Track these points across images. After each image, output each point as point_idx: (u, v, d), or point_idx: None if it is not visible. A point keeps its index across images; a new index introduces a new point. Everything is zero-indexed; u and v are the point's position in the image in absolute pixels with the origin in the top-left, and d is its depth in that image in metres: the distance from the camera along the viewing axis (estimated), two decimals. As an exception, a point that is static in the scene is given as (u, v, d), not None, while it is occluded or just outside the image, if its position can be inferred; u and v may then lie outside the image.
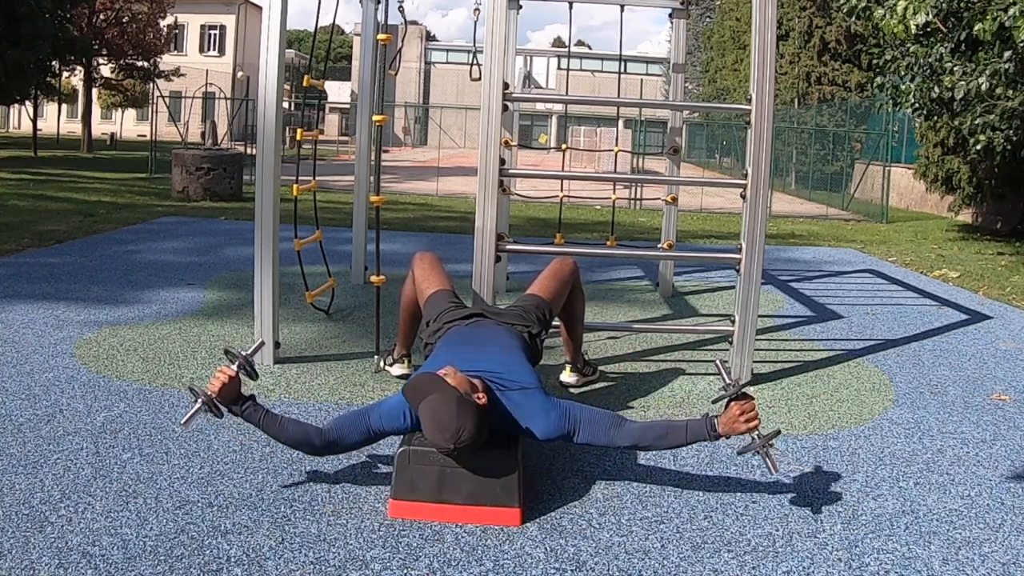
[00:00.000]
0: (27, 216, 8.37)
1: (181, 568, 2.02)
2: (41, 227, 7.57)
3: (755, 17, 3.51)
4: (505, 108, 3.63)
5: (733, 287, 4.68)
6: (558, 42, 63.09)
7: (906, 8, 6.30)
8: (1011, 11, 5.81)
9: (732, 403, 2.40)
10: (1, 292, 4.86)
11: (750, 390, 3.62)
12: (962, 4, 6.75)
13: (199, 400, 2.37)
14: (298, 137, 4.31)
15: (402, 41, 5.50)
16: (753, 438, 2.40)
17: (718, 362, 2.59)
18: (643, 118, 19.07)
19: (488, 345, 2.69)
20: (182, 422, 2.41)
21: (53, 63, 20.54)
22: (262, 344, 2.66)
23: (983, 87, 6.88)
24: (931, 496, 2.65)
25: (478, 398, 2.30)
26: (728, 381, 2.46)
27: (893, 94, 8.51)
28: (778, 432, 2.47)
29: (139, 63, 27.16)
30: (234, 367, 2.45)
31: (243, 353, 2.52)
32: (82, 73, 25.77)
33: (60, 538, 2.12)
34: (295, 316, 4.58)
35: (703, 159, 31.57)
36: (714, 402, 2.50)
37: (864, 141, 17.20)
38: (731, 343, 3.73)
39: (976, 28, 6.14)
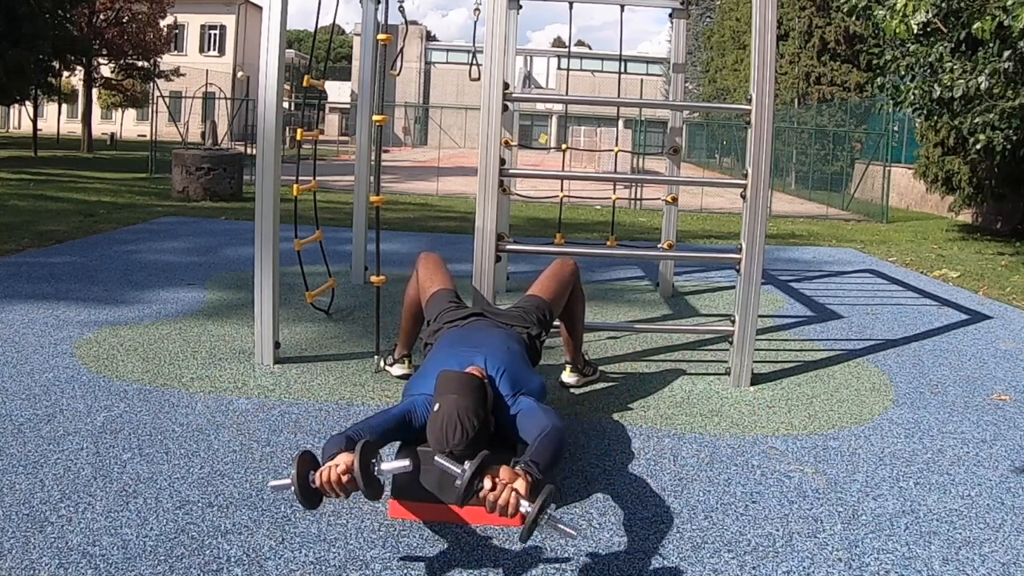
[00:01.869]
0: (27, 216, 8.37)
1: (181, 568, 2.02)
2: (41, 227, 7.57)
3: (755, 17, 3.51)
4: (505, 108, 3.63)
5: (733, 287, 4.69)
6: (558, 42, 63.10)
7: (905, 6, 6.29)
8: (1009, 3, 5.81)
9: (480, 493, 1.99)
10: (1, 292, 4.86)
11: (750, 390, 3.64)
12: (962, 3, 6.75)
13: (293, 487, 1.99)
14: (298, 137, 4.31)
15: (402, 41, 5.49)
16: (525, 514, 1.94)
17: (438, 458, 2.09)
18: (643, 118, 19.07)
19: (486, 346, 2.69)
20: (270, 487, 2.10)
21: (53, 63, 20.53)
22: (407, 468, 2.11)
23: (982, 86, 6.88)
24: (931, 496, 2.65)
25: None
26: (456, 471, 2.01)
27: (893, 94, 8.51)
28: (550, 491, 1.96)
29: (139, 63, 27.17)
30: (359, 478, 1.99)
31: (376, 467, 2.05)
32: (82, 73, 25.77)
33: (60, 538, 2.12)
34: (295, 316, 4.58)
35: (703, 159, 31.57)
36: (457, 502, 2.05)
37: (864, 141, 17.20)
38: (731, 343, 3.73)
39: (975, 27, 6.14)
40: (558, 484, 2.07)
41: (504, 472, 2.02)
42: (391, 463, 2.09)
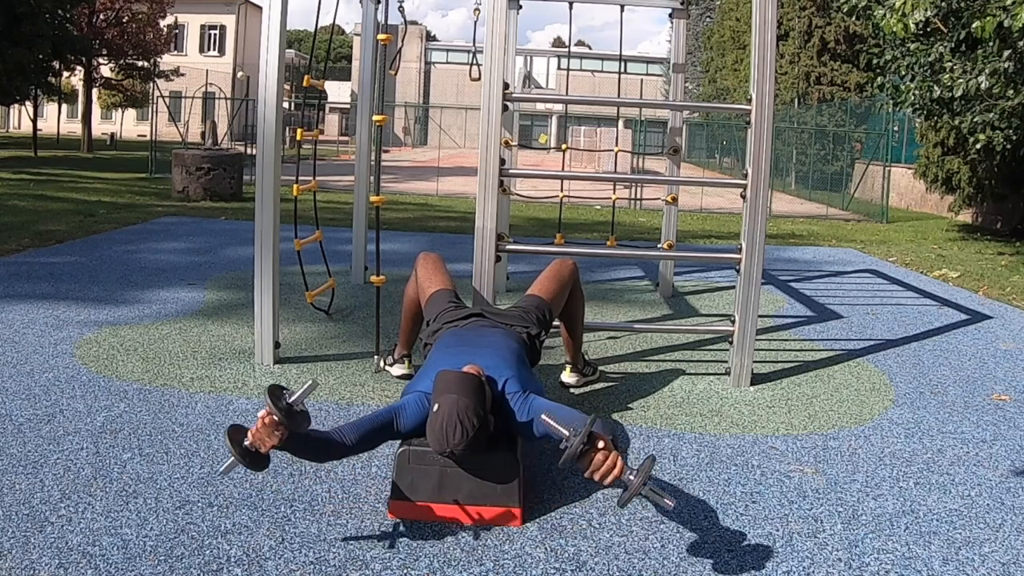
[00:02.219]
0: (27, 216, 8.37)
1: (181, 568, 2.02)
2: (41, 227, 7.57)
3: (755, 17, 3.51)
4: (505, 108, 3.63)
5: (733, 287, 4.69)
6: (558, 42, 63.10)
7: (904, 4, 6.29)
8: (1008, 2, 5.80)
9: (586, 456, 2.06)
10: (1, 292, 4.86)
11: (750, 390, 3.64)
12: (962, 3, 6.75)
13: (232, 458, 2.09)
14: (298, 137, 4.31)
15: (402, 41, 5.50)
16: (627, 483, 2.03)
17: (544, 416, 2.22)
18: (643, 118, 19.07)
19: (486, 346, 2.69)
20: (219, 472, 2.25)
21: (53, 63, 20.52)
22: (314, 386, 2.23)
23: (982, 86, 6.88)
24: (931, 496, 2.65)
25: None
26: (566, 434, 2.10)
27: (893, 94, 8.51)
28: (653, 459, 2.08)
29: (139, 63, 27.15)
30: (277, 416, 2.10)
31: (290, 398, 2.14)
32: (82, 73, 25.77)
33: (60, 538, 2.12)
34: (295, 316, 4.59)
35: (703, 159, 31.57)
36: (560, 465, 2.09)
37: (864, 141, 17.20)
38: (731, 343, 3.73)
39: (975, 27, 6.14)
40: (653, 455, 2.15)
41: (607, 440, 2.08)
42: (299, 390, 2.17)
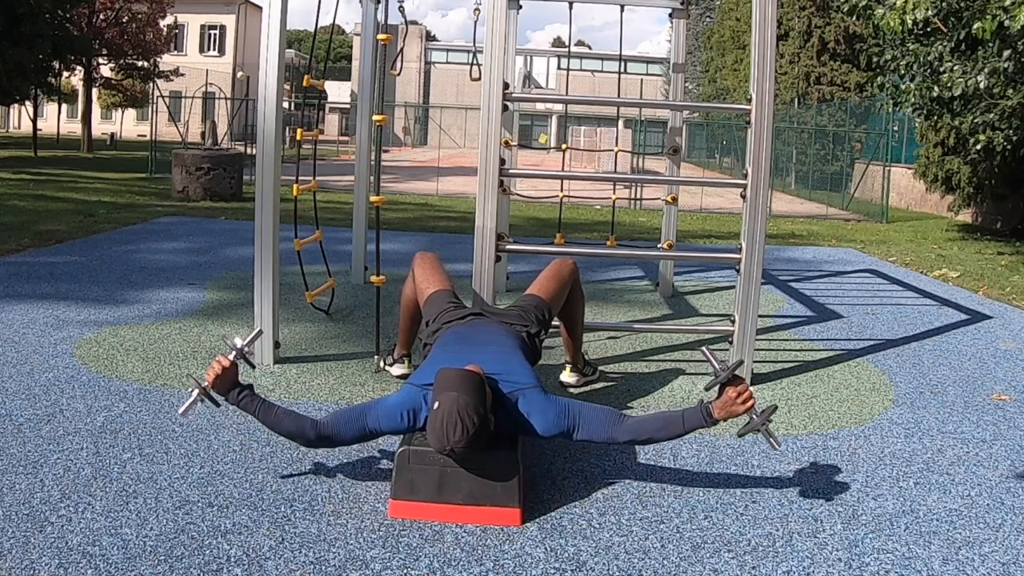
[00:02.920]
0: (27, 216, 8.37)
1: (181, 568, 2.02)
2: (41, 227, 7.57)
3: (755, 16, 3.51)
4: (505, 108, 3.63)
5: (733, 287, 4.69)
6: (558, 42, 63.09)
7: (905, 2, 6.29)
8: (1008, 3, 5.81)
9: (726, 387, 2.43)
10: (1, 292, 4.86)
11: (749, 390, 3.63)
12: (962, 3, 6.75)
13: (195, 390, 2.42)
14: (298, 137, 4.31)
15: (402, 41, 5.49)
16: (751, 417, 2.42)
17: (704, 349, 2.61)
18: (643, 118, 19.06)
19: (486, 345, 2.69)
20: (180, 412, 2.46)
21: (53, 63, 20.53)
22: (260, 333, 2.65)
23: (982, 85, 6.88)
24: (931, 496, 2.65)
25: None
26: (717, 367, 2.48)
27: (893, 93, 8.51)
28: (775, 408, 2.48)
29: (139, 63, 27.15)
30: (231, 356, 2.47)
31: (240, 343, 2.52)
32: (82, 73, 25.77)
33: (60, 538, 2.12)
34: (295, 316, 4.59)
35: (703, 159, 31.57)
36: (707, 389, 2.50)
37: (864, 141, 17.20)
38: (731, 343, 3.73)
39: (975, 27, 6.14)
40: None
41: (743, 380, 2.45)
42: (246, 338, 2.54)
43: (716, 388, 2.46)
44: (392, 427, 2.44)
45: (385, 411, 2.45)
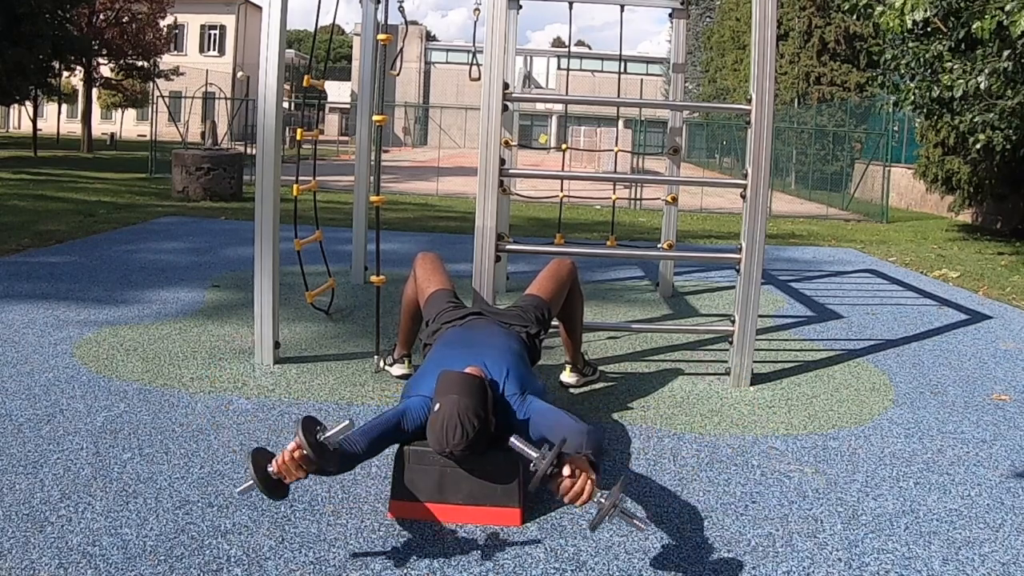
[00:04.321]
0: (27, 216, 8.37)
1: (181, 568, 2.02)
2: (41, 227, 7.57)
3: (755, 16, 3.51)
4: (505, 108, 3.64)
5: (733, 287, 4.69)
6: (558, 42, 63.08)
7: (904, 3, 6.30)
8: (1008, 6, 5.81)
9: (557, 477, 1.99)
10: (1, 292, 4.86)
11: (750, 390, 3.64)
12: (961, 3, 6.75)
13: (251, 482, 2.03)
14: (298, 137, 4.31)
15: (402, 41, 5.50)
16: (599, 504, 1.96)
17: (513, 439, 2.10)
18: (643, 118, 19.06)
19: (485, 346, 2.69)
20: (237, 491, 2.18)
21: (53, 63, 20.53)
22: (350, 426, 2.12)
23: (982, 86, 6.88)
24: (931, 496, 2.65)
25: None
26: (534, 456, 2.03)
27: (893, 92, 8.51)
28: (624, 479, 2.07)
29: (139, 63, 27.15)
30: (307, 452, 2.02)
31: (326, 435, 2.06)
32: (82, 73, 25.77)
33: (60, 538, 2.12)
34: (295, 316, 4.58)
35: (703, 159, 31.57)
36: (530, 489, 2.04)
37: (864, 141, 17.20)
38: (731, 343, 3.73)
39: (975, 27, 6.14)
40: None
41: (579, 461, 2.01)
42: (335, 428, 2.09)
43: (545, 477, 1.99)
44: (418, 431, 2.38)
45: (414, 411, 2.41)
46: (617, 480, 2.01)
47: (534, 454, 2.03)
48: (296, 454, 2.02)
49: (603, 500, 1.95)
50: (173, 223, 8.54)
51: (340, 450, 2.13)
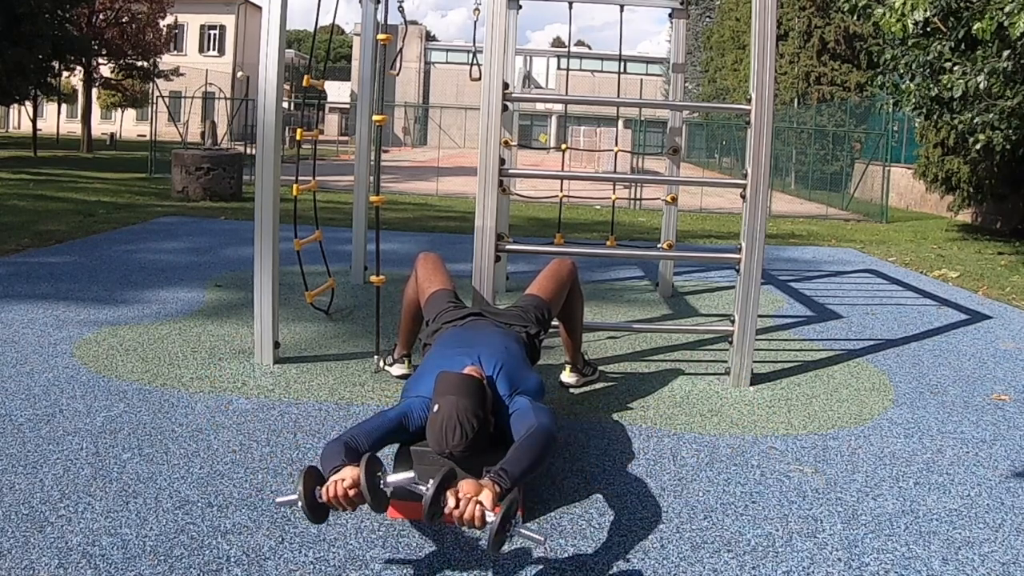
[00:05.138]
0: (27, 216, 8.37)
1: (181, 568, 2.02)
2: (41, 227, 7.57)
3: (755, 16, 3.51)
4: (505, 108, 3.64)
5: (733, 287, 4.69)
6: (558, 42, 63.08)
7: (904, 4, 6.30)
8: (1008, 7, 5.81)
9: (444, 511, 1.96)
10: (1, 292, 4.86)
11: (750, 390, 3.64)
12: (961, 3, 6.75)
13: (300, 500, 2.00)
14: (298, 137, 4.31)
15: (402, 41, 5.50)
16: (488, 529, 1.92)
17: (391, 478, 2.07)
18: (643, 118, 19.06)
19: (484, 346, 2.69)
20: (276, 501, 2.18)
21: (53, 63, 20.53)
22: (413, 480, 2.06)
23: (982, 86, 6.88)
24: (931, 496, 2.65)
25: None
26: (421, 490, 1.99)
27: (893, 92, 8.51)
28: (513, 503, 1.98)
29: (139, 63, 27.15)
30: (363, 486, 1.99)
31: (379, 481, 2.04)
32: (82, 73, 25.77)
33: (60, 538, 2.12)
34: (295, 316, 4.58)
35: (703, 159, 31.56)
36: (427, 518, 1.97)
37: (864, 141, 17.20)
38: (731, 343, 3.73)
39: (975, 27, 6.14)
40: (539, 485, 2.06)
41: (467, 485, 1.98)
42: (396, 476, 2.09)
43: (431, 501, 1.93)
44: (419, 431, 2.39)
45: (416, 410, 2.41)
46: (506, 499, 1.96)
47: (422, 488, 1.98)
48: (352, 492, 1.99)
49: (493, 521, 1.89)
50: (173, 223, 8.54)
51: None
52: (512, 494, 2.01)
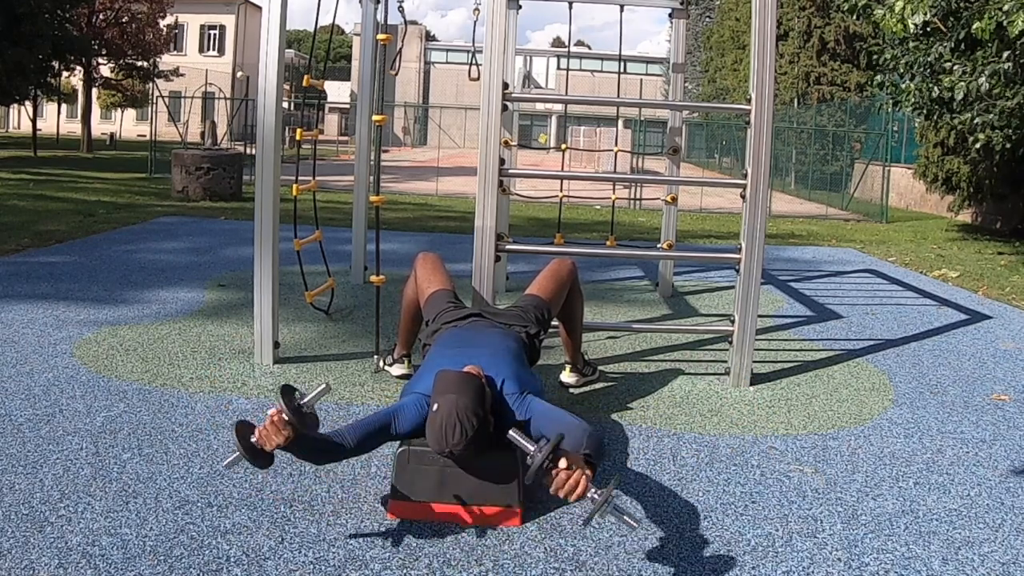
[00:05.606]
0: (27, 216, 8.37)
1: (181, 568, 2.02)
2: (41, 227, 7.57)
3: (755, 16, 3.51)
4: (505, 108, 3.64)
5: (733, 287, 4.69)
6: (558, 42, 63.07)
7: (904, 7, 6.30)
8: (1007, 7, 5.81)
9: (552, 471, 2.02)
10: (1, 292, 4.86)
11: (750, 390, 3.64)
12: (961, 4, 6.75)
13: (237, 453, 2.10)
14: (298, 137, 4.31)
15: (402, 41, 5.49)
16: (592, 500, 1.99)
17: (512, 433, 2.16)
18: (643, 118, 19.06)
19: (484, 346, 2.69)
20: (223, 465, 2.24)
21: (53, 63, 20.53)
22: (327, 390, 2.26)
23: (983, 87, 6.88)
24: (931, 496, 2.65)
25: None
26: (531, 449, 2.09)
27: (893, 93, 8.50)
28: (618, 479, 2.11)
29: (139, 63, 27.16)
30: (286, 416, 2.12)
31: (304, 399, 2.19)
32: (82, 73, 25.77)
33: (60, 538, 2.12)
34: (295, 316, 4.58)
35: (703, 159, 31.56)
36: (527, 482, 2.08)
37: (864, 141, 17.20)
38: (731, 343, 3.73)
39: (975, 27, 6.14)
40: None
41: (575, 456, 2.06)
42: (311, 393, 2.21)
43: (539, 470, 2.03)
44: (419, 422, 2.40)
45: (409, 411, 2.42)
46: (612, 478, 2.06)
47: (531, 447, 2.08)
48: (276, 418, 2.10)
49: (596, 496, 1.98)
50: (173, 223, 8.54)
51: (323, 436, 2.25)
52: (617, 475, 2.30)
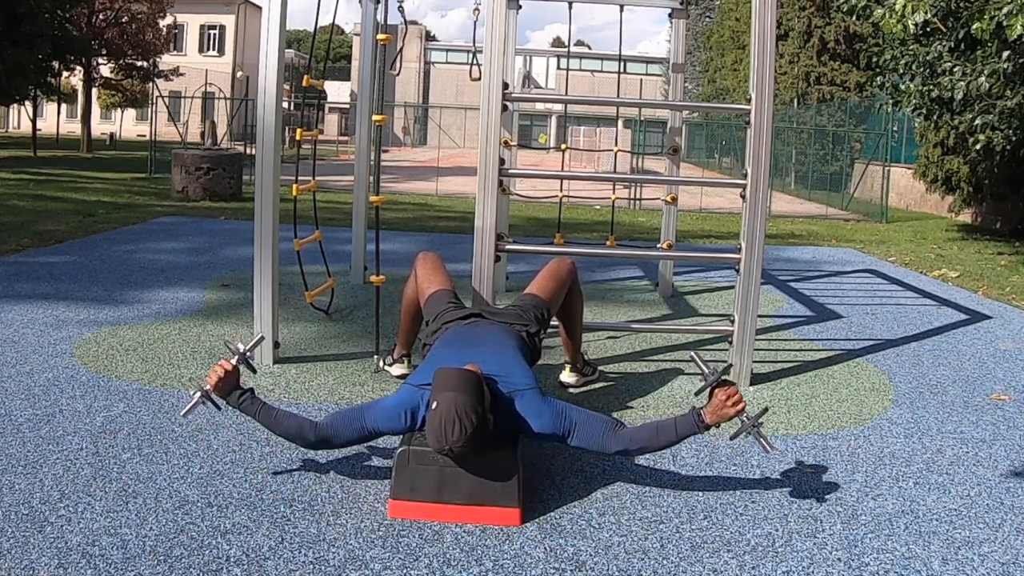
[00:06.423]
0: (27, 216, 8.37)
1: (181, 568, 2.02)
2: (41, 227, 7.57)
3: (754, 16, 3.51)
4: (505, 108, 3.64)
5: (733, 287, 4.69)
6: (558, 42, 63.06)
7: (904, 6, 6.30)
8: (1005, 8, 5.81)
9: (716, 390, 2.45)
10: (1, 292, 4.86)
11: (749, 390, 3.64)
12: (961, 4, 6.75)
13: (197, 393, 2.48)
14: (298, 137, 4.31)
15: (402, 41, 5.49)
16: (742, 420, 2.44)
17: (694, 354, 2.64)
18: (643, 118, 19.06)
19: (484, 345, 2.69)
20: (182, 413, 2.55)
21: (53, 63, 20.53)
22: (262, 339, 2.74)
23: (983, 88, 6.88)
24: (931, 496, 2.65)
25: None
26: (706, 370, 2.53)
27: (893, 93, 8.50)
28: (766, 410, 2.55)
29: (139, 63, 27.16)
30: (232, 361, 2.53)
31: (242, 347, 2.60)
32: (82, 73, 25.77)
33: (60, 538, 2.12)
34: (295, 316, 4.58)
35: (703, 159, 31.56)
36: (696, 394, 2.55)
37: (863, 141, 17.20)
38: (731, 343, 3.73)
39: (974, 27, 6.14)
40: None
41: (734, 387, 2.48)
42: (249, 343, 2.65)
43: (707, 393, 2.50)
44: (391, 427, 2.45)
45: (384, 411, 2.46)
46: (763, 408, 2.56)
47: (707, 369, 2.55)
48: (223, 362, 2.51)
49: (747, 418, 2.44)
50: (173, 223, 8.54)
51: (288, 412, 2.58)
52: (767, 406, 2.73)
